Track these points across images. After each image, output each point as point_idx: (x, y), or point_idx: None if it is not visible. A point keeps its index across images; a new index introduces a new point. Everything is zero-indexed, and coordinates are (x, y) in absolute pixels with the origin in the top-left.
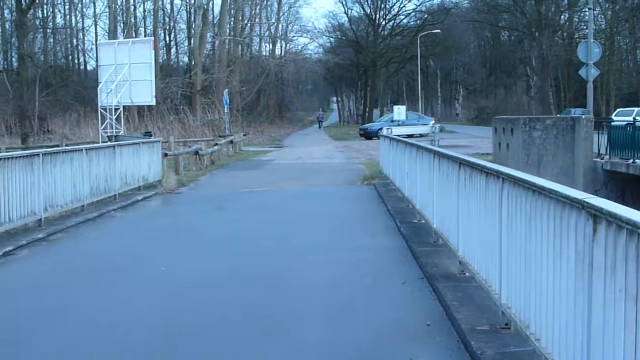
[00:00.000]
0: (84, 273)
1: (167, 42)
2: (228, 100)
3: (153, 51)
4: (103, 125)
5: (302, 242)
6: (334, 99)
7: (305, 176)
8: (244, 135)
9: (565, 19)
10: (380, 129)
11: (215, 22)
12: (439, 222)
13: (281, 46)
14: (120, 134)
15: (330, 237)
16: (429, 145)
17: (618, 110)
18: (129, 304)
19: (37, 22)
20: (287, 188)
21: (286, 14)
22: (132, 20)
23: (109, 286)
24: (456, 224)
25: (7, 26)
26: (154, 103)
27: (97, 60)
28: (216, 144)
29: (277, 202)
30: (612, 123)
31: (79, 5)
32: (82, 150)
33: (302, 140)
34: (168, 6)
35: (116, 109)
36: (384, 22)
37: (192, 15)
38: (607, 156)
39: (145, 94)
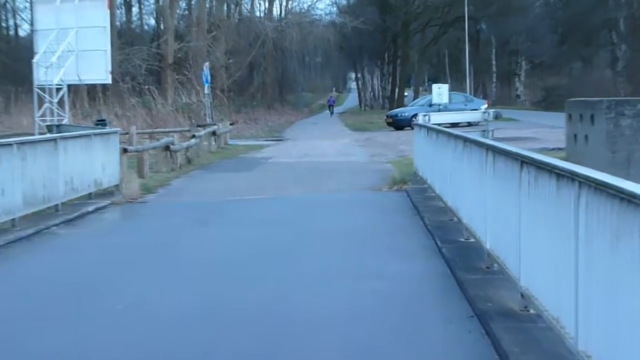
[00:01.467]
0: (7, 314)
1: None
2: (209, 78)
3: (108, 11)
4: (41, 111)
5: (310, 267)
6: (352, 76)
7: (313, 179)
8: (231, 125)
9: None
10: (415, 115)
11: None
12: (494, 240)
13: (280, 4)
14: (64, 122)
15: (348, 260)
16: (480, 137)
17: None
18: (68, 356)
19: None
20: (290, 195)
21: None
22: None
23: (40, 331)
24: (517, 244)
25: None
26: (109, 81)
27: (32, 24)
28: (194, 137)
29: (277, 214)
30: None
31: None
32: (11, 145)
33: (310, 131)
34: None
35: (58, 90)
36: None
37: None
38: None
39: (97, 69)
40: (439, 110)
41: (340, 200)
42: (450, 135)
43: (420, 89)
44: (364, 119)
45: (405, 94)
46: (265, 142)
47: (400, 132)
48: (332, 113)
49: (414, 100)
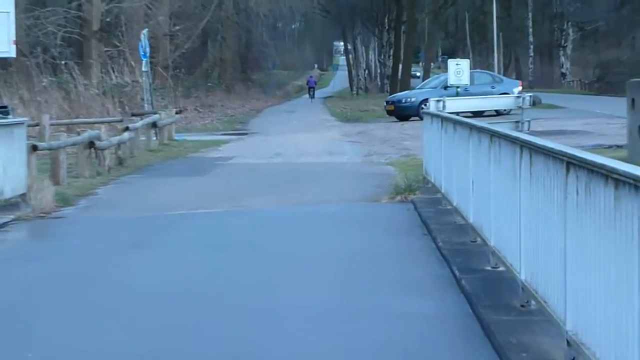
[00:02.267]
0: None
1: None
2: (148, 50)
3: None
4: None
5: (287, 308)
6: (341, 48)
7: (289, 187)
8: (177, 114)
9: None
10: (424, 101)
11: None
12: (532, 269)
13: None
14: None
15: (337, 297)
16: (513, 130)
17: None
18: None
19: None
20: (257, 208)
21: None
22: None
23: None
24: (562, 274)
25: None
26: (13, 54)
27: None
28: (127, 129)
29: (240, 234)
30: None
31: None
32: None
33: (284, 121)
34: None
35: None
36: None
37: None
38: None
39: None
40: (457, 95)
41: (325, 215)
42: (472, 127)
43: (432, 65)
44: (356, 106)
45: (414, 73)
46: (224, 136)
47: (406, 124)
48: (312, 97)
49: (423, 80)
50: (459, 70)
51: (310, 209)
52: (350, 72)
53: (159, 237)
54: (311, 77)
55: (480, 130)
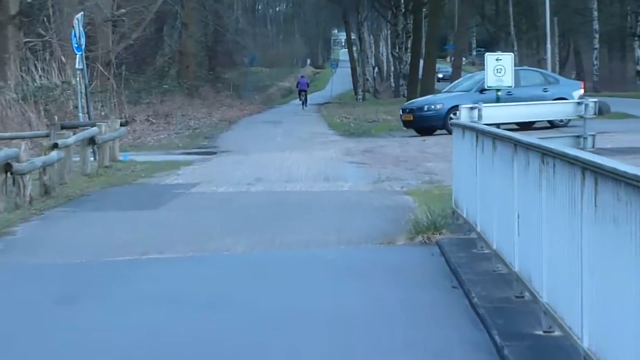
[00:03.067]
0: None
1: None
2: (84, 41)
3: None
4: None
5: None
6: (341, 38)
7: (273, 223)
8: (123, 126)
9: None
10: (454, 109)
11: None
12: (597, 335)
13: None
14: None
15: None
16: (571, 148)
17: None
18: None
19: None
20: (230, 252)
21: None
22: None
23: None
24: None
25: None
26: None
27: None
28: (55, 147)
29: (205, 288)
30: None
31: None
32: None
33: (266, 135)
34: None
35: None
36: None
37: None
38: None
39: None
40: (498, 100)
41: (320, 262)
42: (517, 144)
43: (464, 61)
44: (362, 115)
45: (442, 71)
46: (185, 156)
47: (428, 139)
48: (304, 103)
49: (452, 81)
50: (499, 67)
51: (300, 254)
52: (354, 70)
53: (98, 290)
54: (302, 77)
55: (529, 147)
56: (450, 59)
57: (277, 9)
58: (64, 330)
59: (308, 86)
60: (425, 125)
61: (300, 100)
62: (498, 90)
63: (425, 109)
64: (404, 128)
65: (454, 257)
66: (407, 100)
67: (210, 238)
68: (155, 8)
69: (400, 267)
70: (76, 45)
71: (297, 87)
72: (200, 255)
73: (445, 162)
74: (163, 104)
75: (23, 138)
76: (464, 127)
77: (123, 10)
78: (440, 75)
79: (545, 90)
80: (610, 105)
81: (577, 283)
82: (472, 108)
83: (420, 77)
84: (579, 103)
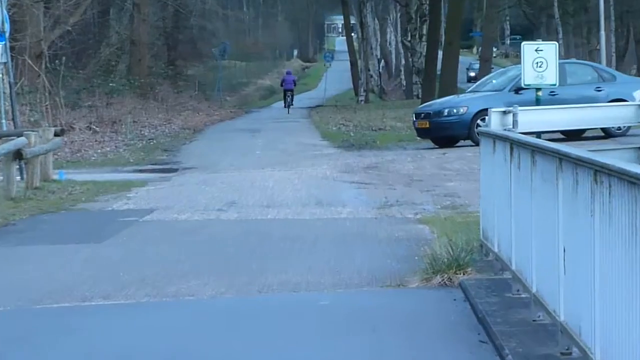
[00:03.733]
0: None
1: None
2: (8, 28)
3: None
4: None
5: None
6: (338, 23)
7: (250, 261)
8: (58, 136)
9: None
10: (482, 113)
11: None
12: None
13: None
14: None
15: None
16: (631, 164)
17: None
18: None
19: None
20: (195, 298)
21: None
22: None
23: None
24: None
25: None
26: None
27: None
28: None
29: (162, 344)
30: None
31: None
32: None
33: (242, 147)
34: None
35: None
36: None
37: None
38: None
39: None
40: (538, 103)
41: (312, 310)
42: (562, 158)
43: (495, 52)
44: (365, 121)
45: (470, 71)
46: (138, 174)
47: (449, 152)
48: (290, 106)
49: (479, 78)
50: (540, 60)
51: (284, 300)
52: (354, 64)
53: (27, 349)
54: (289, 73)
55: (578, 162)
56: (478, 49)
57: None
58: None
59: (295, 85)
60: (446, 134)
61: (284, 102)
62: (538, 89)
63: (446, 113)
64: (418, 138)
65: (482, 303)
66: (422, 103)
67: (169, 280)
68: None
69: (414, 316)
70: None
71: (281, 85)
72: (157, 301)
73: (470, 182)
74: (109, 108)
75: None
76: (495, 137)
77: None
78: (472, 74)
79: (598, 90)
80: None
81: (637, 334)
82: (505, 112)
83: (438, 72)
84: None
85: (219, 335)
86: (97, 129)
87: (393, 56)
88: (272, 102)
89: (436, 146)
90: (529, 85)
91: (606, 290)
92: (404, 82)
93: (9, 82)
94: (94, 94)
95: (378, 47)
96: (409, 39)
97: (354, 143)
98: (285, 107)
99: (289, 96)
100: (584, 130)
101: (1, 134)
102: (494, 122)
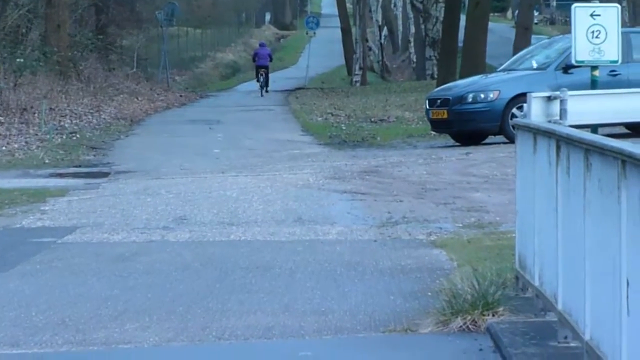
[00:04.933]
0: None
1: None
2: None
3: None
4: None
5: None
6: None
7: (206, 299)
8: None
9: None
10: (518, 100)
11: None
12: None
13: None
14: None
15: None
16: None
17: None
18: None
19: None
20: (134, 345)
21: None
22: None
23: None
24: None
25: None
26: None
27: None
28: None
29: None
30: None
31: None
32: None
33: (194, 146)
34: None
35: None
36: None
37: None
38: None
39: None
40: (594, 86)
41: None
42: (626, 160)
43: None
44: (362, 109)
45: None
46: (57, 179)
47: (475, 151)
48: (264, 87)
49: (515, 53)
50: (597, 28)
51: (252, 349)
52: (347, 32)
53: None
54: (262, 45)
55: None
56: (513, 14)
57: None
58: None
59: (271, 60)
60: (470, 127)
61: (259, 83)
62: (594, 68)
63: (470, 99)
64: (433, 133)
65: (517, 355)
66: (439, 85)
67: (98, 322)
68: None
69: None
70: None
71: (253, 61)
72: (81, 350)
73: (503, 193)
74: (17, 91)
75: None
76: (536, 132)
77: None
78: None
79: None
80: None
81: None
82: (549, 98)
83: (460, 44)
84: None
85: None
86: (1, 118)
87: (399, 22)
88: (236, 83)
89: (457, 144)
90: (581, 62)
91: None
92: (413, 58)
93: None
94: None
95: (379, 10)
96: (421, 0)
97: (346, 139)
98: (259, 88)
99: (262, 74)
100: None
101: None
102: (535, 112)
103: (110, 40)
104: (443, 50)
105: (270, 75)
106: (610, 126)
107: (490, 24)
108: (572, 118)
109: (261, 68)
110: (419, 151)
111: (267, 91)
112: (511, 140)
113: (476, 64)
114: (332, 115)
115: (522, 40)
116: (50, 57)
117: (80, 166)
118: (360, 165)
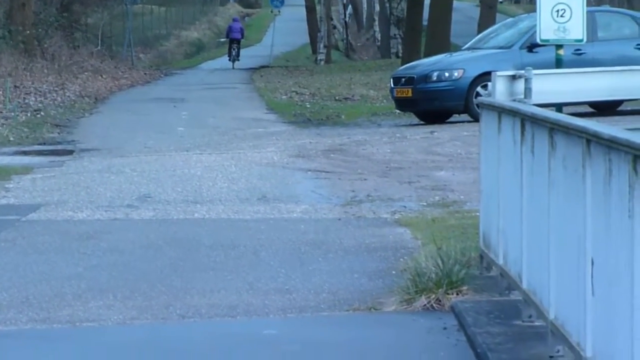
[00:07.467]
0: None
1: None
2: None
3: None
4: None
5: None
6: None
7: (170, 277)
8: None
9: None
10: (482, 78)
11: None
12: None
13: None
14: None
15: None
16: None
17: None
18: None
19: None
20: (98, 324)
21: None
22: None
23: None
24: None
25: None
26: None
27: None
28: None
29: None
30: None
31: None
32: None
33: (158, 124)
34: None
35: None
36: None
37: None
38: None
39: None
40: (559, 64)
41: (255, 343)
42: (591, 139)
43: None
44: (326, 88)
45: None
46: (21, 157)
47: (440, 130)
48: (235, 60)
49: (480, 31)
50: (562, 7)
51: (216, 327)
52: (311, 10)
53: None
54: (236, 20)
55: (611, 144)
56: None
57: None
58: None
59: (243, 35)
60: (434, 106)
61: (230, 56)
62: (559, 46)
63: (434, 78)
64: (398, 111)
65: (482, 334)
66: (403, 64)
67: (61, 300)
68: None
69: (390, 351)
70: None
71: (227, 36)
72: (45, 329)
73: (467, 171)
74: None
75: None
76: (501, 110)
77: None
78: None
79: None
80: None
81: None
82: (514, 77)
83: (425, 22)
84: None
85: None
86: None
87: (364, 0)
88: (200, 61)
89: (422, 122)
90: (546, 41)
91: None
92: (378, 36)
93: None
94: None
95: None
96: None
97: (310, 118)
98: (231, 62)
99: (234, 48)
100: (620, 102)
101: None
102: (500, 91)
103: (75, 18)
104: (408, 28)
105: (243, 52)
106: (575, 105)
107: (455, 3)
108: (537, 97)
109: (234, 41)
110: (383, 130)
111: (234, 62)
112: (476, 119)
113: (441, 43)
114: (297, 93)
115: (486, 19)
116: (14, 35)
117: (44, 144)
118: (324, 143)
